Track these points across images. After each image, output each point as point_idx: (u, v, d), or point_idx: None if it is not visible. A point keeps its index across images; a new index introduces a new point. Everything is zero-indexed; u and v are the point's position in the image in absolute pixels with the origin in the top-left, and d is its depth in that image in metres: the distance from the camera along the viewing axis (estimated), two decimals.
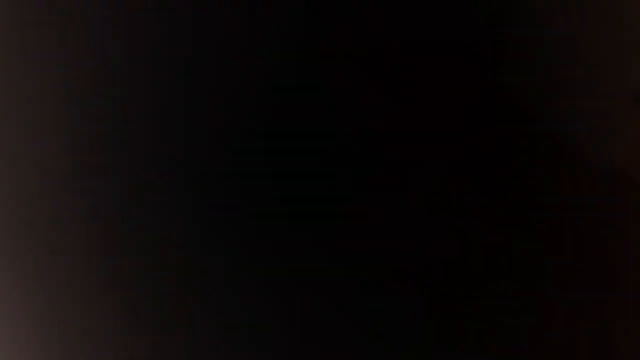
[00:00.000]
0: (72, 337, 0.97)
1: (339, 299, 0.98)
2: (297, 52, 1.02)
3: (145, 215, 1.00)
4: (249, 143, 1.01)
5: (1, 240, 0.98)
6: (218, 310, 0.98)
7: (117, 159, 1.00)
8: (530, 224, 1.00)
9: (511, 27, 1.03)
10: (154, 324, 0.97)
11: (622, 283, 0.98)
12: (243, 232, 1.00)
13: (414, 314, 0.98)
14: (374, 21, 1.03)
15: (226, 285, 0.98)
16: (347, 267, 0.99)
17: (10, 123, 1.00)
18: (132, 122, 1.01)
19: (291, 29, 1.02)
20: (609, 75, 1.00)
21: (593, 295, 0.98)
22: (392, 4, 1.03)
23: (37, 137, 1.00)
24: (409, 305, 0.98)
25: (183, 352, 0.97)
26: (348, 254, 0.99)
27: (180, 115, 1.02)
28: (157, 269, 0.98)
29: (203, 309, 0.98)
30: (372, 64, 1.03)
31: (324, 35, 1.03)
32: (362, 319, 0.98)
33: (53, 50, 1.01)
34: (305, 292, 0.99)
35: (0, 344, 0.95)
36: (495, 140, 1.02)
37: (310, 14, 1.03)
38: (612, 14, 1.00)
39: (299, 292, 0.99)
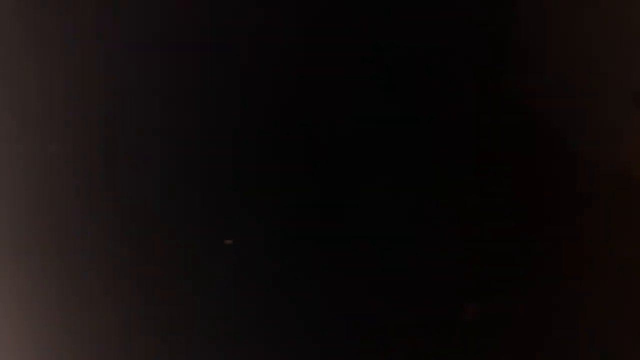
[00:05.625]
0: (72, 337, 0.97)
1: (341, 300, 0.99)
2: (302, 55, 1.03)
3: (147, 216, 1.00)
4: (253, 145, 1.02)
5: (1, 241, 0.98)
6: (220, 311, 0.98)
7: (120, 159, 1.01)
8: (530, 224, 1.00)
9: (511, 28, 1.03)
10: (155, 325, 0.97)
11: (622, 283, 0.98)
12: (244, 233, 1.00)
13: (413, 315, 0.98)
14: (375, 23, 1.03)
15: (228, 285, 0.99)
16: (349, 268, 0.99)
17: (12, 123, 1.00)
18: (136, 123, 1.01)
19: (296, 32, 1.03)
20: (609, 75, 1.00)
21: (593, 295, 0.98)
22: (392, 6, 1.03)
23: (39, 137, 1.00)
24: (408, 307, 0.98)
25: (184, 353, 0.97)
26: (350, 254, 0.99)
27: (184, 116, 1.02)
28: (160, 270, 0.98)
29: (205, 309, 0.98)
30: (373, 66, 1.03)
31: (326, 38, 1.03)
32: (364, 321, 0.98)
33: (57, 50, 1.01)
34: (307, 292, 0.99)
35: (1, 344, 0.95)
36: (494, 140, 1.02)
37: (315, 17, 1.03)
38: (612, 14, 1.00)
39: (300, 292, 0.99)
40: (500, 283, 0.98)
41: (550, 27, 1.03)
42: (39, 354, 0.96)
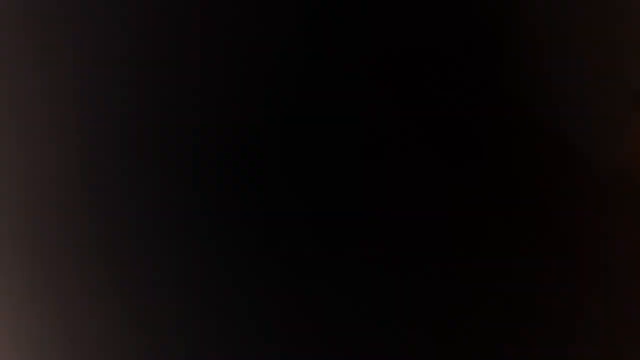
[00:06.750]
0: (73, 337, 0.97)
1: (340, 301, 0.99)
2: (303, 54, 1.03)
3: (150, 216, 1.00)
4: (253, 144, 1.02)
5: (3, 241, 0.98)
6: (221, 310, 0.98)
7: (122, 159, 1.01)
8: (530, 224, 1.00)
9: (511, 27, 1.03)
10: (156, 325, 0.97)
11: (622, 283, 0.98)
12: (245, 233, 1.00)
13: (413, 315, 0.98)
14: (376, 23, 1.04)
15: (228, 285, 0.99)
16: (348, 268, 0.99)
17: (14, 123, 1.00)
18: (138, 122, 1.01)
19: (296, 31, 1.03)
20: (609, 75, 1.00)
21: (593, 295, 0.98)
22: (393, 6, 1.03)
23: (41, 137, 1.00)
24: (407, 307, 0.98)
25: (185, 353, 0.97)
26: (348, 254, 0.99)
27: (186, 116, 1.02)
28: (163, 270, 0.99)
29: (205, 309, 0.98)
30: (373, 65, 1.03)
31: (327, 38, 1.03)
32: (362, 321, 0.98)
33: (58, 50, 1.01)
34: (307, 291, 0.99)
35: (2, 343, 0.95)
36: (495, 140, 1.02)
37: (316, 16, 1.03)
38: (612, 14, 1.00)
39: (300, 291, 0.99)
40: (497, 281, 0.98)
41: (550, 28, 1.03)
42: (39, 353, 0.96)
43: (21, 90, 1.00)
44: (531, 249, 0.99)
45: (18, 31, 1.00)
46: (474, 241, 0.99)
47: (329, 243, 1.00)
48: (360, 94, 1.03)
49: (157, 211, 1.00)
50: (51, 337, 0.96)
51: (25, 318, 0.96)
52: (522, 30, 1.04)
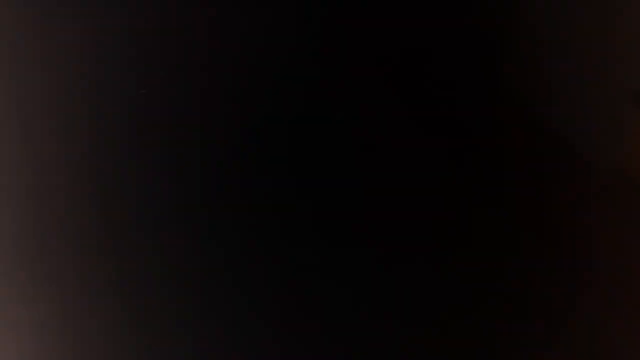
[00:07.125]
0: (73, 337, 0.97)
1: (340, 302, 0.99)
2: (308, 55, 1.03)
3: (150, 215, 1.00)
4: (253, 144, 1.02)
5: (5, 241, 0.98)
6: (221, 310, 0.98)
7: (124, 159, 1.01)
8: (530, 224, 1.00)
9: (511, 27, 1.03)
10: (157, 325, 0.97)
11: (622, 283, 0.98)
12: (246, 232, 1.00)
13: (413, 315, 0.98)
14: (376, 23, 1.04)
15: (228, 285, 0.99)
16: (348, 267, 0.99)
17: (15, 123, 1.00)
18: (138, 122, 1.01)
19: (302, 32, 1.03)
20: (609, 75, 1.00)
21: (593, 295, 0.98)
22: (395, 8, 1.03)
23: (41, 137, 1.00)
24: (407, 307, 0.98)
25: (185, 353, 0.97)
26: (348, 253, 0.99)
27: (190, 117, 1.02)
28: (164, 270, 0.98)
29: (205, 309, 0.98)
30: (373, 65, 1.03)
31: (326, 38, 1.03)
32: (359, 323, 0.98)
33: (61, 51, 1.01)
34: (308, 290, 0.99)
35: (2, 344, 0.95)
36: (495, 140, 1.02)
37: (321, 17, 1.03)
38: (612, 14, 1.00)
39: (300, 291, 0.99)
40: (498, 282, 0.98)
41: (550, 28, 1.03)
42: (39, 354, 0.96)
43: (22, 90, 1.00)
44: (531, 248, 0.99)
45: (19, 31, 1.00)
46: (473, 241, 0.99)
47: (329, 242, 1.00)
48: (360, 93, 1.03)
49: (157, 211, 1.00)
50: (51, 337, 0.96)
51: (25, 318, 0.96)
52: (522, 30, 1.04)
